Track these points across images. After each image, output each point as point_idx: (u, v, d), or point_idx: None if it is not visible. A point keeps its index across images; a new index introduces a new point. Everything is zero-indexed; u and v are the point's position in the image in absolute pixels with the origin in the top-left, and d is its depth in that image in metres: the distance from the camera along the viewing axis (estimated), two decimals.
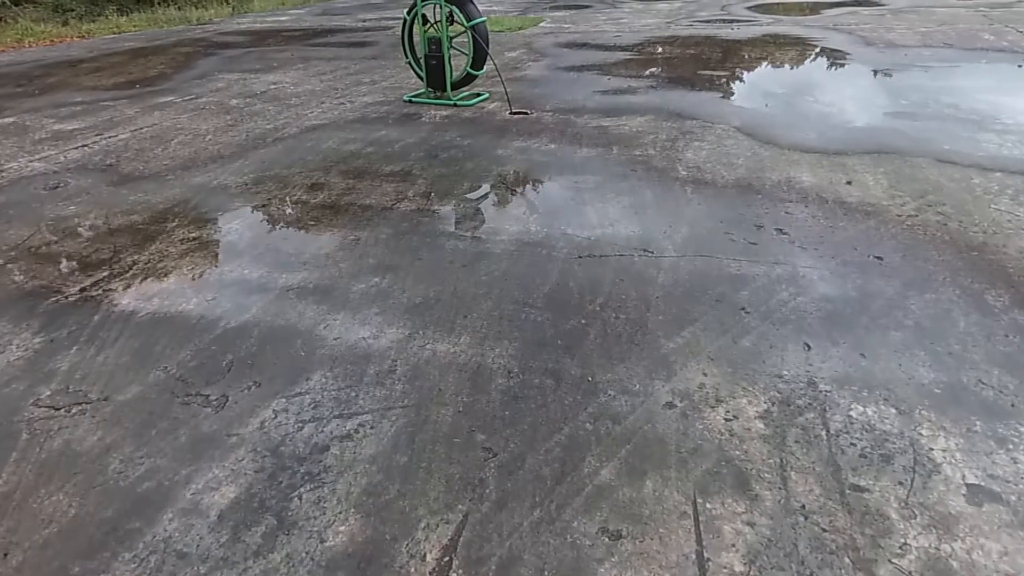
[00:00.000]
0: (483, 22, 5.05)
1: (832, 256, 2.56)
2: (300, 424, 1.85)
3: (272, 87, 6.01)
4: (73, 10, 14.95)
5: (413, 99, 5.30)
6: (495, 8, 11.67)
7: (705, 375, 1.94)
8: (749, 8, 10.67)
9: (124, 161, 4.14)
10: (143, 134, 4.68)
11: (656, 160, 3.74)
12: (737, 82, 5.64)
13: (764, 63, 6.40)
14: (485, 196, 3.36)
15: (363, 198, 3.40)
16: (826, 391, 1.84)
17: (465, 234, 2.94)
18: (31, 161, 4.27)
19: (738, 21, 9.21)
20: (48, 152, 4.42)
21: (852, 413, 1.75)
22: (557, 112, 4.85)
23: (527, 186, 3.47)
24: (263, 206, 3.36)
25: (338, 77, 6.37)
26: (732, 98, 5.10)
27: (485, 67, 5.24)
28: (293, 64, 7.12)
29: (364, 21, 10.81)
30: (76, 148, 4.47)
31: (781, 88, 5.30)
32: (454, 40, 5.18)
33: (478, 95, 5.35)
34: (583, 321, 2.24)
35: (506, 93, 5.10)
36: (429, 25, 5.10)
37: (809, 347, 2.03)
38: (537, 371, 2.01)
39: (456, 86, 5.27)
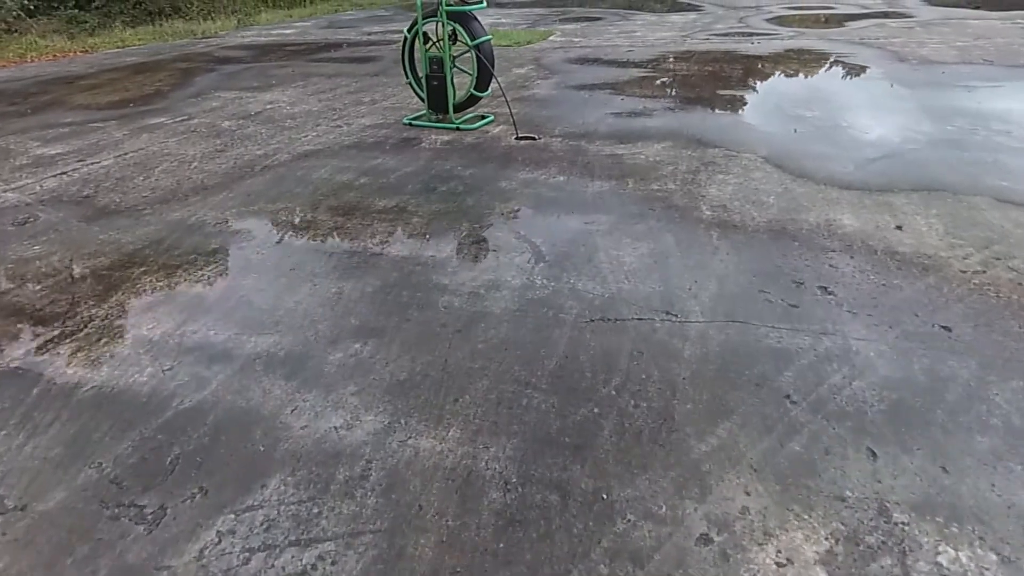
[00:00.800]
0: (488, 40, 4.74)
1: (889, 325, 2.19)
2: (247, 554, 1.51)
3: (268, 107, 5.73)
4: (87, 22, 14.94)
5: (413, 122, 4.98)
6: (503, 21, 11.40)
7: (748, 494, 1.57)
8: (768, 20, 10.31)
9: (102, 192, 3.85)
10: (127, 160, 4.40)
11: (677, 197, 3.38)
12: (761, 103, 5.28)
13: (789, 82, 6.03)
14: (485, 240, 3.02)
15: (351, 239, 3.07)
16: (903, 524, 1.47)
17: (461, 288, 2.60)
18: (5, 191, 3.99)
19: (758, 35, 8.86)
20: (25, 181, 4.15)
21: (940, 559, 1.38)
22: (567, 137, 4.51)
23: (533, 228, 3.12)
24: (241, 249, 3.04)
25: (337, 96, 6.08)
26: (757, 122, 4.73)
27: (490, 88, 4.92)
28: (292, 81, 6.85)
29: (369, 35, 10.57)
30: (55, 176, 4.19)
31: (810, 111, 4.93)
32: (457, 59, 4.87)
33: (483, 118, 5.03)
34: (596, 410, 1.88)
35: (512, 116, 4.77)
36: (431, 44, 4.80)
37: (875, 455, 1.66)
38: (539, 482, 1.65)
39: (459, 108, 4.95)
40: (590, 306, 2.41)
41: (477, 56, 4.64)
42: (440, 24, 4.61)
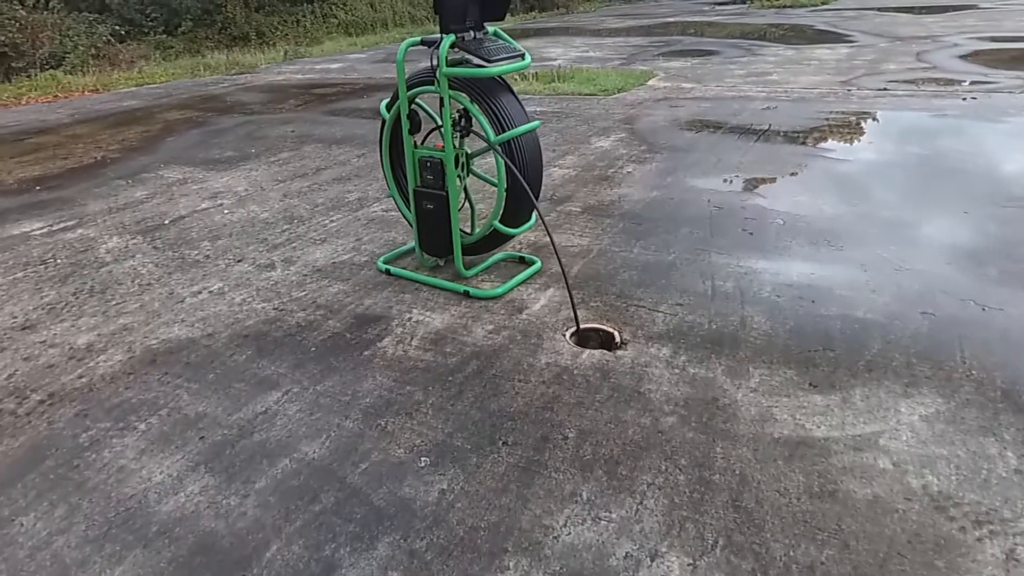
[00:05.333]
0: (532, 130, 2.47)
1: None
2: None
3: (199, 210, 3.73)
4: (172, 47, 14.26)
5: (391, 269, 2.79)
6: (590, 56, 9.11)
7: None
8: (962, 58, 7.37)
9: None
10: None
11: None
12: None
13: None
14: None
15: None
16: None
17: None
18: None
19: (961, 82, 6.03)
20: None
21: None
22: (681, 343, 2.13)
23: None
24: None
25: (316, 186, 4.01)
26: None
27: (533, 218, 2.65)
28: (278, 151, 4.88)
29: None
30: None
31: None
32: (476, 158, 2.65)
33: (523, 263, 2.75)
34: None
35: (566, 281, 2.41)
36: (426, 135, 2.60)
37: None
38: None
39: (473, 250, 2.68)
40: None
41: (506, 165, 2.38)
42: (441, 100, 2.40)
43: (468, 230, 2.80)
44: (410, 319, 2.40)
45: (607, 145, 4.53)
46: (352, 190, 3.87)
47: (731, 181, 3.66)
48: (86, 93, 8.28)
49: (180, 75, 9.51)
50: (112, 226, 3.48)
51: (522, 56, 2.35)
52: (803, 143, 4.33)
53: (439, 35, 2.31)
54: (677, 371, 2.00)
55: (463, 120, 2.40)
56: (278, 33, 15.46)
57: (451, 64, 2.32)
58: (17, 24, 10.23)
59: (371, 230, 3.25)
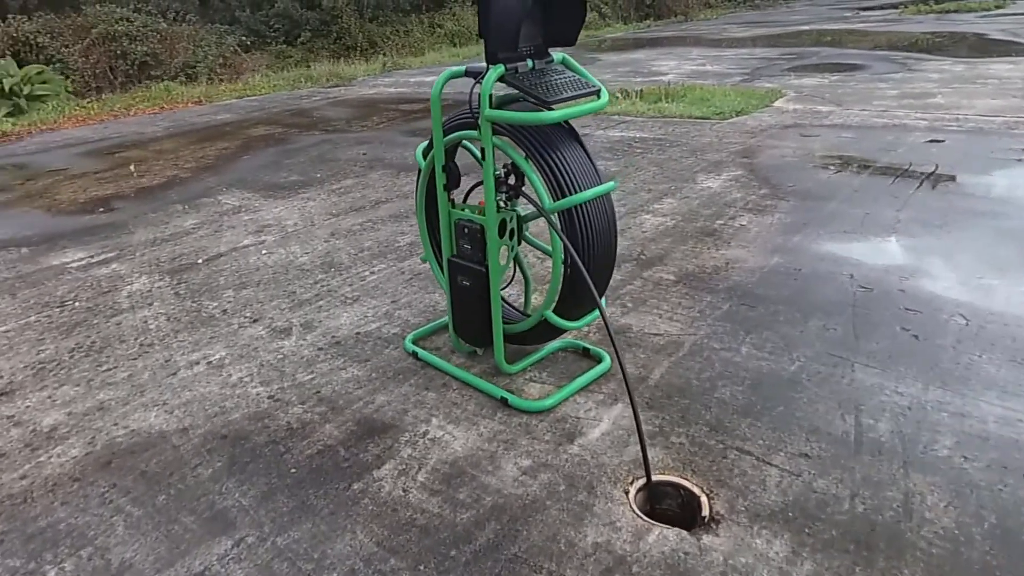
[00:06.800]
0: (605, 194, 1.81)
1: None
2: None
3: (243, 243, 3.39)
4: (291, 57, 14.99)
5: (419, 352, 2.22)
6: (708, 69, 8.17)
7: None
8: None
9: None
10: None
11: None
12: None
13: None
14: None
15: None
16: None
17: None
18: None
19: None
20: None
21: None
22: (805, 535, 1.33)
23: None
24: None
25: (370, 224, 3.56)
26: None
27: (596, 312, 1.97)
28: (343, 177, 4.52)
29: None
30: None
31: None
32: (529, 224, 2.04)
33: (585, 356, 2.08)
34: None
35: (640, 435, 1.64)
36: (472, 187, 2.03)
37: None
38: None
39: (520, 338, 2.04)
40: None
41: (563, 242, 1.74)
42: (484, 149, 1.82)
43: (520, 307, 2.19)
44: (425, 434, 1.83)
45: (717, 186, 3.74)
46: (407, 231, 3.38)
47: (884, 247, 2.77)
48: (189, 105, 8.56)
49: (281, 87, 9.66)
50: (147, 262, 3.21)
51: (596, 94, 1.70)
52: (987, 195, 3.30)
53: (486, 64, 1.72)
54: None
55: (510, 177, 1.80)
56: (389, 43, 15.73)
57: (498, 104, 1.73)
58: (159, 36, 11.00)
59: (412, 289, 2.73)
